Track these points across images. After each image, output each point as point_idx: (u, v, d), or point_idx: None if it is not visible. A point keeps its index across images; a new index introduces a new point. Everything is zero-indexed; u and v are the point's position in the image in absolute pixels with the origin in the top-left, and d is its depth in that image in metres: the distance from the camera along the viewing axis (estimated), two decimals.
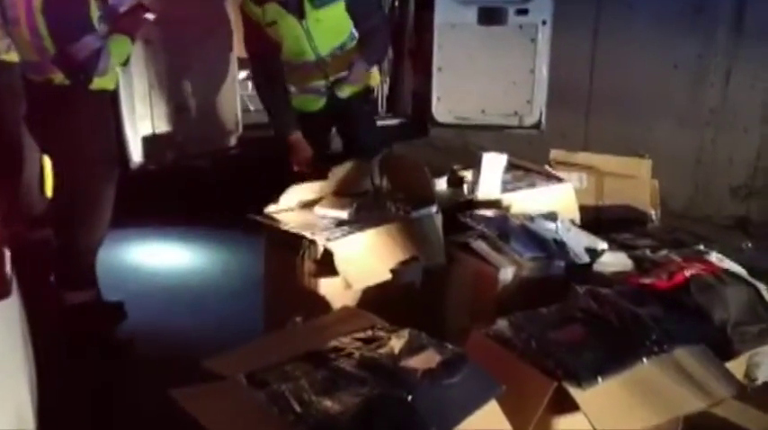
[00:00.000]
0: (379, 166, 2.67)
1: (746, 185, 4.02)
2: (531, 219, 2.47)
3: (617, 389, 1.67)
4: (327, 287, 2.20)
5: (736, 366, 1.96)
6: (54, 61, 2.55)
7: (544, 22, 4.13)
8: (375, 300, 2.19)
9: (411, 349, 1.67)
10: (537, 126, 4.25)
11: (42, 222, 3.20)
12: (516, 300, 2.15)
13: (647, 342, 1.81)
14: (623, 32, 4.37)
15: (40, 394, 1.68)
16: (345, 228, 2.31)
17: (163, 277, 3.42)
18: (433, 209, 2.44)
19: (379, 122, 4.23)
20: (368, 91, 3.32)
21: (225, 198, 3.56)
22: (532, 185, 2.86)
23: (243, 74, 4.38)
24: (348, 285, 2.18)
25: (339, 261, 2.17)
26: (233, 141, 4.29)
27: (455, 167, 2.94)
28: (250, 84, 4.31)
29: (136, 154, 3.89)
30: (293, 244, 2.28)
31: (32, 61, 2.62)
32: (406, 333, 1.74)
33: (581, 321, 1.90)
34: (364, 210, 2.46)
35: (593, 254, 2.38)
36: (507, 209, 2.66)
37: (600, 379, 1.66)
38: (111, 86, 2.77)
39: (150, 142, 3.92)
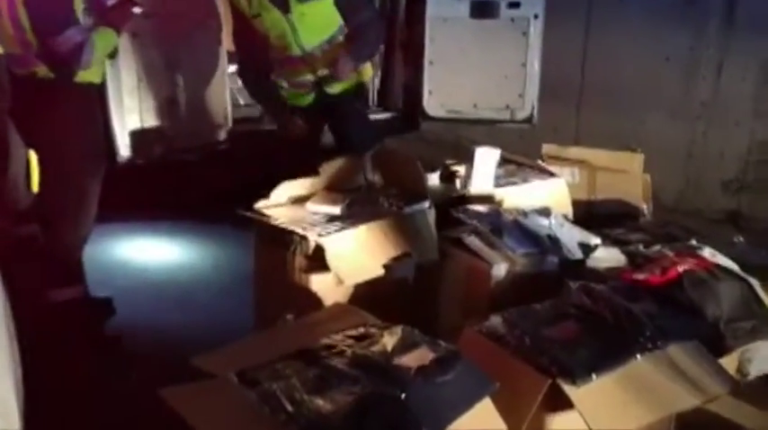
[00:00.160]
0: (372, 162, 2.64)
1: (738, 179, 4.03)
2: (525, 214, 2.46)
3: (611, 387, 1.66)
4: (319, 283, 2.18)
5: (729, 362, 1.96)
6: (38, 54, 2.52)
7: (536, 16, 4.12)
8: (367, 296, 2.16)
9: (404, 346, 1.65)
10: (529, 120, 4.25)
11: (29, 218, 3.16)
12: (509, 295, 2.13)
13: (640, 338, 1.80)
14: (615, 26, 4.36)
15: (26, 392, 1.65)
16: (337, 223, 2.29)
17: (152, 273, 3.39)
18: (426, 204, 2.42)
19: (370, 117, 4.21)
20: (359, 87, 3.28)
21: (214, 193, 3.54)
22: (525, 180, 2.84)
23: (232, 67, 4.34)
24: (340, 281, 2.16)
25: (331, 257, 2.15)
26: (222, 135, 4.26)
27: (447, 162, 2.92)
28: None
29: (124, 148, 3.86)
30: (284, 239, 2.26)
31: (16, 54, 2.57)
32: (398, 330, 1.72)
33: (575, 317, 1.89)
34: (356, 205, 2.43)
35: (587, 249, 2.37)
36: (500, 204, 2.64)
37: (594, 376, 1.65)
38: (96, 80, 2.73)
39: (138, 136, 3.89)
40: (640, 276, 2.13)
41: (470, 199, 2.65)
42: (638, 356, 1.74)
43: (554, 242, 2.34)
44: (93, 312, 2.85)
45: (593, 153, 3.16)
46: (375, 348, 1.65)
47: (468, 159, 2.74)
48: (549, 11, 4.12)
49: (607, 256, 2.36)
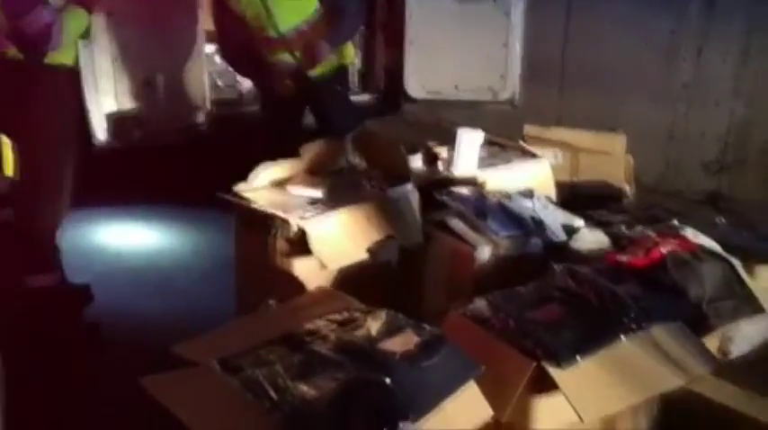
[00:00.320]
0: (354, 144, 2.61)
1: (718, 160, 4.06)
2: (509, 196, 2.44)
3: (596, 369, 1.65)
4: (301, 267, 2.15)
5: (711, 341, 1.97)
6: (8, 35, 2.44)
7: None
8: (351, 279, 2.14)
9: (388, 331, 1.63)
10: (511, 101, 4.23)
11: (2, 202, 3.09)
12: (494, 278, 2.12)
13: (624, 319, 1.80)
14: (597, 8, 4.35)
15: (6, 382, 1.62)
16: (319, 206, 2.26)
17: (130, 259, 3.34)
18: (409, 186, 2.39)
19: (352, 98, 4.16)
20: (340, 69, 3.24)
21: (193, 176, 3.47)
22: (508, 162, 2.82)
23: (211, 47, 4.26)
24: (323, 265, 2.14)
25: (313, 240, 2.12)
26: (201, 118, 4.19)
27: (430, 144, 2.89)
28: (218, 58, 4.20)
29: (100, 131, 3.79)
30: (265, 223, 2.22)
31: None
32: (383, 314, 1.70)
33: (559, 300, 1.88)
34: (338, 188, 2.40)
35: (570, 231, 2.36)
36: (483, 186, 2.63)
37: (579, 358, 1.64)
38: (68, 61, 2.66)
39: (114, 119, 3.81)
40: (624, 258, 2.13)
41: (454, 181, 2.63)
42: (623, 337, 1.74)
43: (538, 224, 2.33)
44: (71, 299, 2.80)
45: (575, 134, 3.15)
46: (359, 333, 1.64)
47: (450, 141, 2.72)
48: None
49: (590, 238, 2.35)
